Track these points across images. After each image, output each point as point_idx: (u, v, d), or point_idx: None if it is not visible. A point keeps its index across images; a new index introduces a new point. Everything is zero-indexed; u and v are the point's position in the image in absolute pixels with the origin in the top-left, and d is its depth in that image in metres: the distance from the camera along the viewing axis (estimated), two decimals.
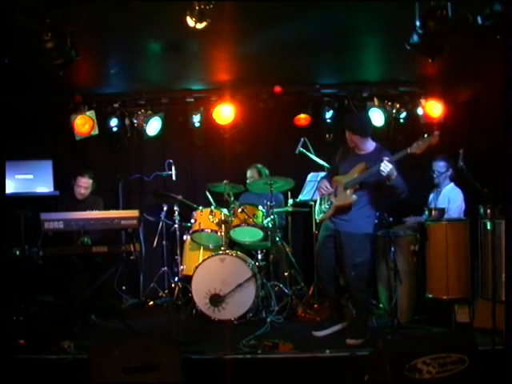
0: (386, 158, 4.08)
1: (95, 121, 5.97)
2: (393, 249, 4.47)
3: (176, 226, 5.81)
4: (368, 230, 4.35)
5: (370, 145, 4.42)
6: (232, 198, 5.48)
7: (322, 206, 4.56)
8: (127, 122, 6.21)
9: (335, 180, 4.47)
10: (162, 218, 5.96)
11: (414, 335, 4.35)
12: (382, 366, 2.89)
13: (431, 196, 5.32)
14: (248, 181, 5.85)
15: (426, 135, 4.04)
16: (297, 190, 5.76)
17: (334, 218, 4.41)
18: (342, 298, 4.75)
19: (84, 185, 5.34)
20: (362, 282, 4.37)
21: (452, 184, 5.15)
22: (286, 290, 5.28)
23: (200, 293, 4.94)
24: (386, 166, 4.05)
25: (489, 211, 4.35)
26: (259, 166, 5.98)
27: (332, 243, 4.45)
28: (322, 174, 5.36)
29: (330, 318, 4.63)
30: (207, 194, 5.88)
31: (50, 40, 3.77)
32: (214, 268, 4.98)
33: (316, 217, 4.71)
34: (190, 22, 3.58)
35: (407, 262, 4.75)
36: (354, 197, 4.28)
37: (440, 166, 5.13)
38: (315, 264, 4.69)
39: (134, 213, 4.58)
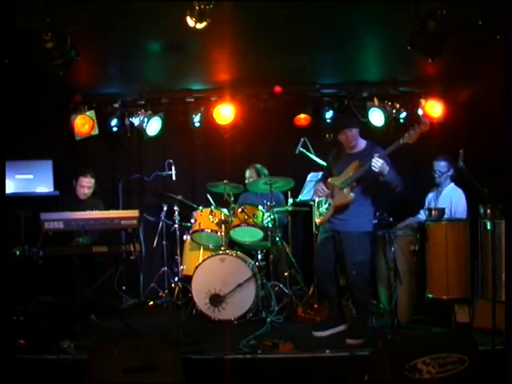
0: (377, 154, 4.11)
1: (95, 121, 5.97)
2: (393, 249, 4.47)
3: (176, 225, 5.81)
4: (367, 228, 4.36)
5: (362, 142, 4.45)
6: (232, 198, 5.48)
7: (321, 209, 4.57)
8: (127, 122, 6.22)
9: (330, 182, 4.49)
10: (162, 218, 5.96)
11: (414, 335, 4.35)
12: (382, 366, 2.89)
13: (430, 195, 5.32)
14: (246, 181, 5.85)
15: (416, 124, 4.07)
16: (297, 190, 5.76)
17: (333, 218, 4.42)
18: (343, 297, 4.76)
19: (87, 184, 5.34)
20: (363, 281, 4.37)
21: (453, 184, 5.15)
22: (286, 290, 5.28)
23: (200, 293, 4.94)
24: (376, 162, 4.07)
25: (489, 211, 4.35)
26: (258, 166, 5.97)
27: (331, 243, 4.45)
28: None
29: (332, 319, 4.62)
30: (208, 195, 5.87)
31: (50, 40, 3.77)
32: (214, 268, 4.98)
33: (316, 219, 4.72)
34: (190, 22, 3.59)
35: (407, 261, 4.75)
36: (352, 195, 4.29)
37: (441, 165, 5.12)
38: (314, 264, 4.67)
39: (134, 213, 4.58)
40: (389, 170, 4.13)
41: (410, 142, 4.08)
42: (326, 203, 4.51)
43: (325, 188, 4.49)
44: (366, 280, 4.42)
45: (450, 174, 5.12)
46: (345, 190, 4.32)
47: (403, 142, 4.10)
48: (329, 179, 4.52)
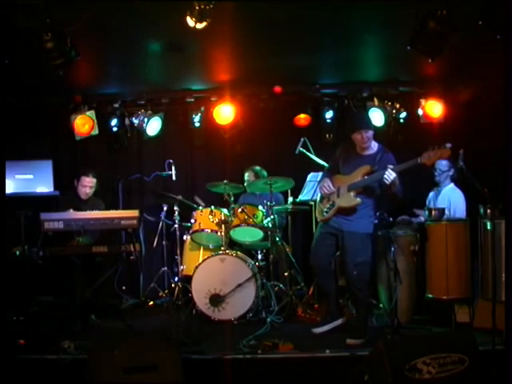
0: (390, 167, 4.07)
1: (95, 121, 5.97)
2: (393, 249, 4.46)
3: (176, 225, 5.81)
4: (370, 230, 4.36)
5: (374, 145, 4.41)
6: (232, 198, 5.48)
7: (323, 206, 4.53)
8: (127, 122, 6.22)
9: (337, 179, 4.45)
10: (162, 218, 5.96)
11: (414, 335, 4.35)
12: (382, 366, 2.89)
13: (430, 194, 5.33)
14: (245, 183, 5.84)
15: (436, 147, 4.01)
16: (297, 190, 5.76)
17: (337, 217, 4.41)
18: (342, 297, 4.75)
19: (89, 184, 5.32)
20: (364, 282, 4.37)
21: (452, 185, 5.15)
22: (286, 290, 5.28)
23: (200, 293, 4.94)
24: (389, 175, 4.04)
25: (489, 211, 4.34)
26: (257, 168, 5.96)
27: (331, 240, 4.43)
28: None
29: (329, 315, 4.60)
30: (197, 199, 5.88)
31: (50, 40, 3.78)
32: (214, 268, 4.98)
33: (317, 215, 4.68)
34: (190, 22, 3.59)
35: (407, 261, 4.74)
36: (359, 200, 4.27)
37: (443, 164, 5.13)
38: (310, 259, 4.61)
39: (134, 213, 4.58)
40: (399, 183, 4.12)
41: (427, 164, 4.04)
42: (329, 201, 4.47)
43: (331, 186, 4.42)
44: (367, 281, 4.41)
45: (450, 173, 5.13)
46: (351, 194, 4.30)
47: (421, 161, 4.04)
48: (337, 176, 4.47)
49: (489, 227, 4.35)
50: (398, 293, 4.48)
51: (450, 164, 5.09)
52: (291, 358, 3.94)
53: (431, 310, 4.80)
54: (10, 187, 5.96)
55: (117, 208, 5.91)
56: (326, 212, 4.47)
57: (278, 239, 5.35)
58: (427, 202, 5.33)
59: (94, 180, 5.36)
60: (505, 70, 3.10)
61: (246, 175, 5.96)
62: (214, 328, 4.75)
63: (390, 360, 2.89)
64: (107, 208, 5.46)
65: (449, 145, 4.00)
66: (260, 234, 5.26)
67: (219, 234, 5.30)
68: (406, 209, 5.44)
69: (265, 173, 5.95)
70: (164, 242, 6.02)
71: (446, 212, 4.90)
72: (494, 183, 3.70)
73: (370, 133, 4.32)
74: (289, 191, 5.81)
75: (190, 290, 5.07)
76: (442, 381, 2.93)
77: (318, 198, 4.69)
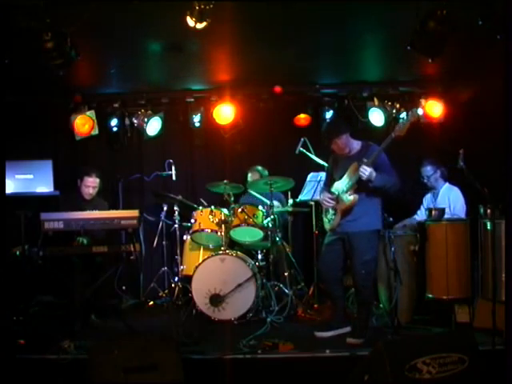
0: (364, 161, 4.10)
1: (95, 121, 5.97)
2: (393, 249, 4.47)
3: (176, 225, 5.81)
4: (377, 226, 4.35)
5: (356, 144, 4.43)
6: (232, 198, 5.48)
7: (328, 216, 4.53)
8: (127, 121, 6.22)
9: (334, 187, 4.46)
10: (162, 218, 5.96)
11: (414, 335, 4.35)
12: (381, 366, 2.89)
13: (428, 196, 5.35)
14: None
15: (405, 113, 4.09)
16: (297, 190, 5.76)
17: (342, 221, 4.39)
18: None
19: (92, 184, 5.30)
20: (370, 280, 4.38)
21: (447, 184, 5.20)
22: (286, 290, 5.28)
23: (200, 293, 4.94)
24: (364, 171, 4.07)
25: (489, 211, 4.35)
26: (259, 167, 5.96)
27: (339, 245, 4.44)
28: (322, 174, 5.37)
29: (335, 320, 4.58)
30: (202, 200, 5.87)
31: (50, 40, 3.79)
32: (214, 268, 4.97)
33: (325, 226, 4.66)
34: (190, 21, 3.59)
35: (407, 262, 4.74)
36: (356, 196, 4.27)
37: (427, 170, 5.20)
38: (318, 266, 4.64)
39: (134, 213, 4.57)
40: (376, 175, 4.10)
41: (401, 135, 4.05)
42: (332, 209, 4.47)
43: (331, 196, 4.44)
44: (372, 278, 4.42)
45: (438, 174, 5.19)
46: (348, 193, 4.31)
47: (395, 135, 4.08)
48: (332, 189, 4.48)
49: (489, 227, 4.35)
50: (397, 293, 4.48)
51: (434, 167, 5.14)
52: (291, 357, 3.94)
53: (431, 310, 4.80)
54: (10, 187, 5.96)
55: (117, 208, 5.91)
56: (332, 220, 4.47)
57: (278, 239, 5.35)
58: (424, 203, 5.35)
59: (98, 180, 5.34)
60: (505, 69, 3.09)
61: (249, 176, 5.94)
62: (214, 328, 4.75)
63: (390, 360, 2.89)
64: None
65: (414, 109, 4.15)
66: (260, 234, 5.26)
67: (219, 234, 5.30)
68: (407, 209, 5.44)
69: (266, 172, 5.95)
70: (164, 242, 6.02)
71: (447, 210, 4.92)
72: (494, 183, 3.71)
73: (344, 137, 4.33)
74: (289, 192, 5.81)
75: (190, 290, 5.07)
76: (442, 381, 2.93)
77: (323, 211, 4.66)
